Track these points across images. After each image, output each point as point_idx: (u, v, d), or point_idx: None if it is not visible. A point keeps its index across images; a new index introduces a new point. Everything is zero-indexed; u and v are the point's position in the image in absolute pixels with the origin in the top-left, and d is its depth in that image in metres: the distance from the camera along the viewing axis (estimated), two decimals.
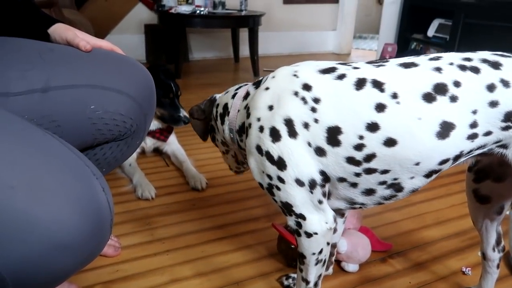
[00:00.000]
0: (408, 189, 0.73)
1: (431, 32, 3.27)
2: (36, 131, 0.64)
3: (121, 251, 1.17)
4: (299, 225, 0.77)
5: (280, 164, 0.72)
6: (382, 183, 0.72)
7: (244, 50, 3.87)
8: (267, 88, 0.77)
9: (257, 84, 0.84)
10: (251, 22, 3.27)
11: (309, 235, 0.77)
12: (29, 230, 0.53)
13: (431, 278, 1.11)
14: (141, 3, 3.69)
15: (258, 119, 0.75)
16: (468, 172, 0.87)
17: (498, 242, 0.93)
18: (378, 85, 0.68)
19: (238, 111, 0.85)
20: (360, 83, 0.69)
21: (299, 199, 0.74)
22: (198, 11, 3.11)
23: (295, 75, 0.74)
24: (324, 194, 0.75)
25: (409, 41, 3.54)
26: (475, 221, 0.92)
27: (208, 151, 1.90)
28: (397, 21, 3.65)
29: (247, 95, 0.85)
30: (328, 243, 0.80)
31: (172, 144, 1.80)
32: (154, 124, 1.73)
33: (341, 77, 0.71)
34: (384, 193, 0.74)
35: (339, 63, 0.76)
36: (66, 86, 0.80)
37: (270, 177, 0.75)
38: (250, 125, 0.77)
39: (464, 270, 1.14)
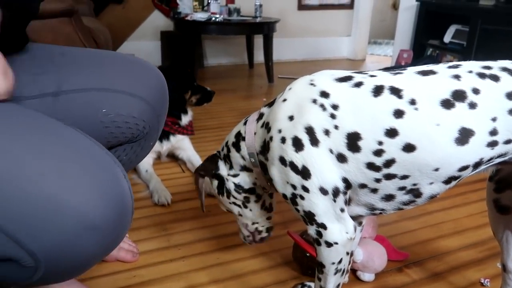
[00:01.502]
0: (427, 194, 0.73)
1: (447, 38, 3.23)
2: (59, 124, 0.66)
3: (138, 256, 1.19)
4: (319, 234, 0.77)
5: (305, 173, 0.73)
6: (402, 188, 0.72)
7: (259, 56, 3.89)
8: (284, 100, 0.77)
9: (270, 104, 0.85)
10: (266, 28, 3.29)
11: (329, 244, 0.77)
12: (60, 213, 0.56)
13: None
14: (157, 10, 3.74)
15: (279, 131, 0.75)
16: (489, 181, 0.86)
17: None
18: (396, 91, 0.69)
19: (255, 133, 0.85)
20: (377, 90, 0.69)
21: (321, 208, 0.74)
22: (213, 18, 3.14)
23: (312, 84, 0.75)
24: (345, 202, 0.76)
25: (425, 47, 3.51)
26: (495, 231, 0.91)
27: None
28: (412, 27, 3.62)
29: (260, 117, 0.85)
30: (347, 253, 0.80)
31: (188, 150, 1.82)
32: (189, 117, 1.82)
33: (358, 84, 0.72)
34: (403, 198, 0.74)
35: (354, 72, 0.76)
36: (78, 90, 0.81)
37: (294, 187, 0.75)
38: (271, 138, 0.77)
39: (482, 281, 1.12)
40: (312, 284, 1.05)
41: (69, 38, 1.85)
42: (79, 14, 1.95)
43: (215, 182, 0.98)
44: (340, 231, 0.76)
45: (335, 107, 0.71)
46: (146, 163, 1.67)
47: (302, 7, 4.36)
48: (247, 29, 3.42)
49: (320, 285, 0.85)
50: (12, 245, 0.56)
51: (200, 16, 3.18)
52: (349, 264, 1.02)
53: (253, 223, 1.02)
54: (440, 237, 1.33)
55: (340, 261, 0.80)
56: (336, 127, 0.70)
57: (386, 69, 2.99)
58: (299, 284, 1.07)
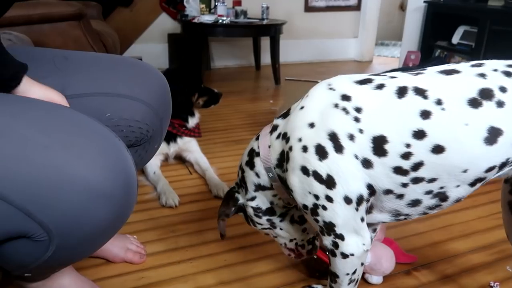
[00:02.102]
0: (453, 198, 0.72)
1: (455, 39, 3.21)
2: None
3: (146, 258, 1.19)
4: (335, 245, 0.76)
5: (329, 182, 0.70)
6: (429, 192, 0.70)
7: (265, 58, 3.89)
8: (302, 107, 0.74)
9: (284, 116, 0.82)
10: (273, 30, 3.30)
11: (345, 256, 0.76)
12: (68, 183, 0.57)
13: None
14: (164, 13, 3.77)
15: (300, 139, 0.72)
16: (505, 183, 0.84)
17: None
18: (421, 92, 0.67)
19: (269, 146, 0.81)
20: (401, 91, 0.67)
21: (343, 218, 0.72)
22: (220, 21, 3.15)
23: (331, 88, 0.72)
24: (366, 210, 0.74)
25: (433, 48, 3.48)
26: (509, 234, 0.89)
27: (230, 159, 1.92)
28: (420, 28, 3.60)
29: (273, 129, 0.82)
30: (362, 264, 0.79)
31: (195, 152, 1.82)
32: (196, 119, 1.82)
33: (380, 86, 0.69)
34: (430, 202, 0.72)
35: (371, 75, 0.74)
36: (81, 94, 0.82)
37: (317, 197, 0.72)
38: (291, 148, 0.74)
39: (492, 284, 1.11)
40: (319, 287, 1.05)
41: (78, 42, 1.87)
42: (88, 18, 1.97)
43: (243, 215, 0.96)
44: (357, 243, 0.75)
45: (358, 109, 0.68)
46: (154, 165, 1.68)
47: (308, 9, 4.36)
48: (253, 31, 3.42)
49: None
50: (23, 217, 0.57)
51: (207, 18, 3.20)
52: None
53: (291, 240, 0.98)
54: (449, 239, 1.31)
55: (354, 272, 0.79)
56: (360, 130, 0.67)
57: (393, 71, 2.96)
58: (306, 286, 1.07)
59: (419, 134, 0.65)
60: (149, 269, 1.16)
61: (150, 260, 1.19)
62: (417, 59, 3.16)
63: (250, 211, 0.91)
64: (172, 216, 1.43)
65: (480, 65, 0.69)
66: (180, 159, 1.88)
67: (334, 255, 0.77)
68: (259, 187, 0.88)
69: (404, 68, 2.90)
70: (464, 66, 0.69)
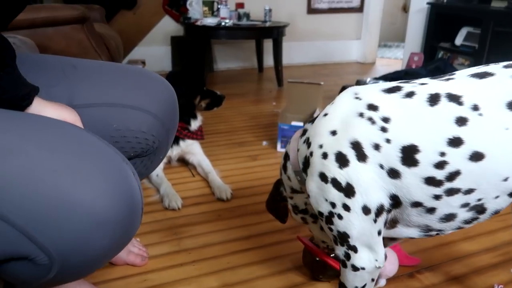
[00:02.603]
0: (491, 210, 0.67)
1: (459, 40, 3.20)
2: (68, 124, 0.68)
3: (148, 260, 1.20)
4: (347, 256, 0.74)
5: (348, 191, 0.68)
6: (465, 205, 0.65)
7: (268, 60, 3.89)
8: (326, 114, 0.74)
9: (313, 120, 0.82)
10: (275, 33, 3.30)
11: (355, 269, 0.74)
12: (72, 209, 0.57)
13: None
14: (167, 16, 3.78)
15: (320, 146, 0.71)
16: None
17: None
18: (455, 98, 0.63)
19: (298, 150, 0.81)
20: (433, 99, 0.64)
21: (358, 230, 0.70)
22: (223, 23, 3.16)
23: (357, 98, 0.71)
24: (385, 223, 0.71)
25: (436, 49, 3.48)
26: None
27: (233, 162, 1.92)
28: (423, 30, 3.59)
29: (303, 133, 0.82)
30: (372, 280, 0.77)
31: (198, 155, 1.83)
32: (199, 121, 1.81)
33: (410, 94, 0.67)
34: (465, 216, 0.67)
35: (401, 82, 0.71)
36: (89, 104, 0.82)
37: (333, 205, 0.70)
38: (311, 153, 0.73)
39: (496, 287, 1.11)
40: None
41: (81, 45, 1.88)
42: (91, 21, 1.99)
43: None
44: (370, 258, 0.73)
45: (386, 120, 0.66)
46: (157, 168, 1.68)
47: (311, 11, 4.36)
48: (256, 33, 3.43)
49: None
50: (25, 241, 0.57)
51: (210, 21, 3.20)
52: None
53: (323, 242, 1.00)
54: (452, 242, 1.31)
55: (363, 286, 0.78)
56: (388, 140, 0.65)
57: (396, 73, 2.94)
58: None
59: (455, 142, 0.62)
60: (152, 271, 1.16)
61: (153, 263, 1.19)
62: (420, 61, 3.15)
63: (290, 207, 0.96)
64: (175, 218, 1.44)
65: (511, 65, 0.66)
66: (183, 161, 1.88)
67: (345, 266, 0.76)
68: (292, 190, 0.89)
69: (408, 70, 2.89)
70: (496, 68, 0.66)
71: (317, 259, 1.07)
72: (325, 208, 0.72)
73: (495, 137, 0.61)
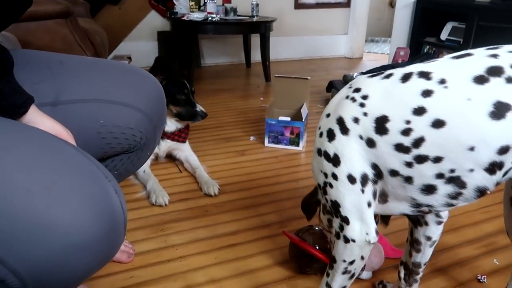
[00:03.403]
0: (472, 185, 0.68)
1: (444, 35, 3.23)
2: (49, 137, 0.66)
3: (135, 257, 1.19)
4: (341, 228, 0.78)
5: (335, 161, 0.75)
6: (439, 175, 0.68)
7: (256, 55, 3.89)
8: (328, 104, 0.83)
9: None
10: (263, 28, 3.29)
11: (346, 240, 0.78)
12: (47, 231, 0.54)
13: (445, 286, 1.10)
14: (154, 10, 3.74)
15: (319, 128, 0.80)
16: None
17: None
18: (425, 75, 0.68)
19: None
20: (406, 77, 0.70)
21: (348, 200, 0.75)
22: (210, 18, 3.14)
23: (349, 87, 0.79)
24: (374, 195, 0.75)
25: (422, 44, 3.51)
26: (509, 230, 0.89)
27: (220, 157, 1.91)
28: (409, 25, 3.62)
29: None
30: (362, 257, 0.80)
31: (185, 151, 1.82)
32: (173, 125, 1.76)
33: (388, 76, 0.73)
34: (447, 189, 0.69)
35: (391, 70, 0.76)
36: (75, 100, 0.81)
37: (326, 175, 0.78)
38: (315, 136, 0.82)
39: (479, 278, 1.13)
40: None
41: (65, 40, 1.85)
42: (75, 16, 1.95)
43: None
44: (361, 230, 0.76)
45: (364, 97, 0.73)
46: (144, 164, 1.67)
47: (298, 5, 4.36)
48: (244, 28, 3.41)
49: (327, 281, 0.86)
50: None
51: (197, 16, 3.18)
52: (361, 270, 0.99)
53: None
54: None
55: (351, 262, 0.80)
56: (365, 114, 0.72)
57: (382, 67, 2.97)
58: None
59: (419, 111, 0.66)
60: (138, 268, 1.15)
61: (140, 259, 1.18)
62: (406, 55, 3.18)
63: (321, 207, 0.97)
64: (161, 214, 1.43)
65: (496, 48, 0.68)
66: (170, 157, 1.87)
67: (338, 237, 0.79)
68: None
69: (394, 65, 2.91)
70: (479, 50, 0.69)
71: (303, 252, 1.08)
72: (321, 179, 0.79)
73: (457, 106, 0.64)
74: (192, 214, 1.44)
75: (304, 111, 2.07)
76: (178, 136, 1.78)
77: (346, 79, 2.72)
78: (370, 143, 0.71)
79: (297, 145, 2.01)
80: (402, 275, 0.97)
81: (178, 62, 3.80)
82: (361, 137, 0.72)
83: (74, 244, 0.56)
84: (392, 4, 5.72)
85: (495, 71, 0.63)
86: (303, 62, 4.42)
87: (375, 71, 2.86)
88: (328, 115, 0.79)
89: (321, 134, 0.79)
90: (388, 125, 0.69)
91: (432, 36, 3.40)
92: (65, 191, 0.58)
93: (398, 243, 1.25)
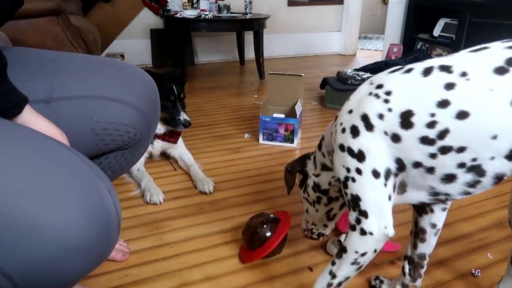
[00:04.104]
0: (491, 173, 0.70)
1: (437, 31, 3.25)
2: (41, 137, 0.65)
3: (130, 255, 1.18)
4: (358, 221, 0.78)
5: (360, 156, 0.76)
6: (461, 165, 0.70)
7: (249, 53, 3.88)
8: (348, 100, 0.83)
9: None
10: (256, 25, 3.28)
11: (363, 232, 0.78)
12: (38, 234, 0.54)
13: (440, 280, 1.11)
14: (146, 8, 3.72)
15: (341, 123, 0.80)
16: None
17: None
18: (446, 68, 0.70)
19: (331, 134, 0.89)
20: (427, 71, 0.71)
21: (371, 195, 0.76)
22: (203, 15, 3.13)
23: (371, 83, 0.79)
24: (395, 187, 0.77)
25: (415, 41, 3.52)
26: (511, 219, 0.89)
27: (215, 155, 1.91)
28: (402, 21, 3.63)
29: (335, 119, 0.89)
30: (375, 251, 0.80)
31: (179, 148, 1.81)
32: (163, 128, 1.74)
33: (409, 70, 0.74)
34: (466, 178, 0.71)
35: (411, 65, 0.78)
36: (69, 97, 0.80)
37: (348, 169, 0.78)
38: (335, 131, 0.83)
39: (473, 272, 1.13)
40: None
41: (56, 38, 1.83)
42: (67, 13, 1.93)
43: (301, 176, 1.05)
44: (379, 224, 0.77)
45: (388, 93, 0.74)
46: (138, 162, 1.65)
47: (292, 3, 4.36)
48: (237, 25, 3.41)
49: (331, 269, 0.86)
50: None
51: (190, 13, 3.17)
52: (421, 268, 0.99)
53: (312, 224, 1.08)
54: None
55: (363, 254, 0.80)
56: (389, 110, 0.73)
57: (376, 64, 2.97)
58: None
59: (443, 103, 0.68)
60: (133, 266, 1.14)
61: (134, 258, 1.18)
62: (400, 52, 3.19)
63: (310, 183, 1.01)
64: (156, 212, 1.42)
65: (511, 40, 0.70)
66: (164, 155, 1.86)
67: (354, 229, 0.79)
68: (324, 167, 0.97)
69: (388, 61, 2.92)
70: (495, 43, 0.71)
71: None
72: (342, 174, 0.80)
73: (479, 97, 0.66)
74: (187, 212, 1.43)
75: (298, 108, 2.07)
76: (169, 137, 1.77)
77: (340, 76, 2.73)
78: (395, 138, 0.72)
79: (292, 142, 2.01)
80: (406, 270, 0.97)
81: (172, 60, 3.80)
82: (386, 133, 0.73)
83: (67, 246, 0.55)
84: (385, 1, 5.73)
85: None
86: (297, 59, 4.43)
87: (369, 67, 2.87)
88: (350, 111, 0.79)
89: (343, 130, 0.79)
90: (413, 119, 0.70)
91: (425, 32, 3.41)
92: (57, 192, 0.57)
93: (393, 239, 1.25)
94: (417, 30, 3.50)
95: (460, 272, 1.14)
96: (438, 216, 0.91)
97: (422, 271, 0.97)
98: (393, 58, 3.14)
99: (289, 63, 4.15)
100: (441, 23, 3.25)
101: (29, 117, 0.69)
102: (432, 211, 0.90)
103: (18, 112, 0.67)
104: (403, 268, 0.98)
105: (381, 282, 1.07)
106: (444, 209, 0.90)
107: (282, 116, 2.02)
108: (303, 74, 2.18)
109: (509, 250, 0.94)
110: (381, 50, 4.38)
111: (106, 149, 0.88)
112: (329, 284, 0.86)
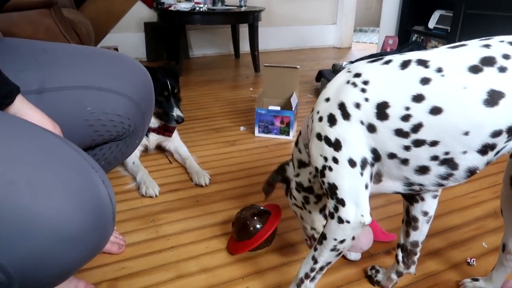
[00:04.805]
0: (463, 166, 0.71)
1: (432, 23, 3.24)
2: (34, 127, 0.64)
3: (126, 248, 1.18)
4: (336, 209, 0.79)
5: (336, 145, 0.76)
6: (434, 158, 0.71)
7: (245, 46, 3.86)
8: (325, 88, 0.82)
9: None
10: (251, 18, 3.27)
11: (341, 220, 0.79)
12: (32, 224, 0.53)
13: (436, 269, 1.11)
14: (140, 1, 3.68)
15: (318, 112, 0.80)
16: (510, 158, 0.85)
17: None
18: (423, 62, 0.71)
19: (308, 126, 0.88)
20: (405, 64, 0.72)
21: (347, 183, 0.77)
22: (197, 8, 3.10)
23: (348, 71, 0.80)
24: (371, 177, 0.77)
25: (410, 33, 3.52)
26: (504, 209, 0.91)
27: (210, 148, 1.90)
28: (397, 14, 3.62)
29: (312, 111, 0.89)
30: (353, 238, 0.81)
31: (175, 141, 1.80)
32: (157, 122, 1.73)
33: (388, 62, 0.75)
34: (439, 171, 0.73)
35: (390, 56, 0.79)
36: (62, 87, 0.79)
37: (325, 158, 0.78)
38: (312, 120, 0.82)
39: (469, 260, 1.14)
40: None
41: (49, 30, 1.81)
42: (59, 6, 1.91)
43: (284, 186, 1.05)
44: (356, 212, 0.78)
45: (365, 82, 0.74)
46: (133, 155, 1.65)
47: None
48: (231, 18, 3.38)
49: (313, 255, 0.87)
50: None
51: (184, 6, 3.14)
52: (414, 255, 0.99)
53: (311, 229, 1.04)
54: None
55: (342, 241, 0.81)
56: (366, 99, 0.73)
57: (371, 56, 2.97)
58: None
59: (418, 98, 0.69)
60: (130, 259, 1.14)
61: (131, 250, 1.18)
62: (395, 44, 3.18)
63: (293, 185, 1.01)
64: (152, 205, 1.42)
65: (488, 38, 0.72)
66: (159, 148, 1.85)
67: (332, 217, 0.80)
68: (301, 164, 0.96)
69: (383, 53, 2.92)
70: (472, 41, 0.72)
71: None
72: (320, 163, 0.80)
73: (453, 94, 0.67)
74: (183, 204, 1.43)
75: (294, 100, 2.07)
76: (164, 130, 1.76)
77: (335, 69, 2.72)
78: (371, 128, 0.73)
79: (288, 134, 2.01)
80: (400, 257, 0.98)
81: (166, 54, 3.77)
82: (362, 123, 0.74)
83: (60, 236, 0.55)
84: None
85: (488, 61, 0.67)
86: (292, 52, 4.41)
87: (364, 59, 2.86)
88: (327, 100, 0.79)
89: (320, 119, 0.79)
90: (388, 111, 0.71)
91: (420, 24, 3.41)
92: (50, 183, 0.56)
93: (390, 228, 1.26)
94: (412, 22, 3.49)
95: (456, 261, 1.15)
96: (430, 204, 0.91)
97: (416, 257, 0.98)
98: (388, 50, 3.14)
99: (284, 56, 4.14)
100: (436, 15, 3.24)
101: (21, 107, 0.68)
102: (423, 199, 0.90)
103: (10, 102, 0.66)
104: (396, 256, 0.98)
105: (377, 271, 1.07)
106: (435, 196, 0.91)
107: (278, 108, 2.02)
108: (298, 66, 2.18)
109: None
110: (376, 43, 4.37)
111: (101, 140, 0.88)
112: (312, 269, 0.88)
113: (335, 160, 0.77)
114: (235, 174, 1.65)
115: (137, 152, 1.71)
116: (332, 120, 0.77)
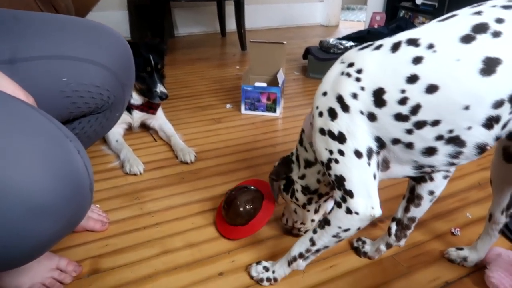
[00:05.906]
0: (471, 143, 0.68)
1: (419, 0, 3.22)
2: (4, 96, 0.61)
3: (109, 226, 1.16)
4: (344, 199, 0.78)
5: (340, 138, 0.75)
6: (439, 138, 0.69)
7: (231, 24, 3.79)
8: (322, 82, 0.81)
9: None
10: None
11: (349, 211, 0.78)
12: (1, 195, 0.50)
13: (421, 240, 1.12)
14: None
15: (317, 107, 0.79)
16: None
17: (508, 207, 0.91)
18: (413, 42, 0.68)
19: (311, 123, 0.87)
20: (395, 46, 0.70)
21: (355, 174, 0.75)
22: None
23: (342, 62, 0.78)
24: (378, 165, 0.76)
25: (398, 9, 3.49)
26: (494, 179, 0.91)
27: (196, 125, 1.88)
28: None
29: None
30: (358, 228, 0.80)
31: (159, 119, 1.77)
32: (140, 99, 1.70)
33: (378, 47, 0.73)
34: (447, 150, 0.70)
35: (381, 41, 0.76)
36: (35, 57, 0.76)
37: (331, 152, 0.77)
38: (313, 116, 0.81)
39: (453, 230, 1.15)
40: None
41: (25, 4, 1.73)
42: None
43: (283, 181, 1.03)
44: (366, 204, 0.76)
45: (359, 71, 0.73)
46: (116, 133, 1.62)
47: None
48: None
49: (312, 237, 0.86)
50: None
51: None
52: (408, 229, 0.98)
53: (301, 223, 1.06)
54: None
55: (346, 230, 0.80)
56: (362, 88, 0.72)
57: (359, 32, 2.94)
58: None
59: (412, 79, 0.67)
60: (114, 236, 1.13)
61: (114, 228, 1.16)
62: (382, 20, 3.16)
63: (298, 187, 0.98)
64: (136, 183, 1.40)
65: (479, 5, 0.68)
66: (144, 126, 1.82)
67: (339, 206, 0.79)
68: (308, 163, 0.94)
69: (370, 30, 2.89)
70: (463, 10, 0.69)
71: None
72: (325, 157, 0.79)
73: (447, 69, 0.64)
74: (168, 181, 1.41)
75: (281, 77, 2.04)
76: (148, 108, 1.72)
77: (322, 45, 2.69)
78: (371, 117, 0.72)
79: (274, 111, 1.99)
80: (393, 230, 0.98)
81: (151, 33, 3.68)
82: (362, 113, 0.72)
83: (33, 207, 0.52)
84: None
85: (481, 28, 0.63)
86: (280, 30, 4.35)
87: (352, 36, 2.84)
88: (325, 94, 0.78)
89: (320, 114, 0.78)
90: (385, 96, 0.70)
91: (408, 0, 3.38)
92: (21, 152, 0.54)
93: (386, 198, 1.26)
94: None
95: (441, 231, 1.16)
96: (438, 184, 0.90)
97: (409, 232, 0.98)
98: (376, 26, 3.12)
99: (271, 35, 4.08)
100: None
101: None
102: (431, 179, 0.89)
103: None
104: (389, 228, 0.98)
105: (364, 242, 1.07)
106: (445, 177, 0.89)
107: (264, 85, 1.99)
108: (285, 42, 2.14)
109: (488, 209, 0.96)
110: (364, 21, 4.33)
111: (79, 113, 0.85)
112: (308, 250, 0.88)
113: (341, 153, 0.76)
114: (221, 151, 1.63)
115: (120, 130, 1.68)
116: (332, 114, 0.76)
